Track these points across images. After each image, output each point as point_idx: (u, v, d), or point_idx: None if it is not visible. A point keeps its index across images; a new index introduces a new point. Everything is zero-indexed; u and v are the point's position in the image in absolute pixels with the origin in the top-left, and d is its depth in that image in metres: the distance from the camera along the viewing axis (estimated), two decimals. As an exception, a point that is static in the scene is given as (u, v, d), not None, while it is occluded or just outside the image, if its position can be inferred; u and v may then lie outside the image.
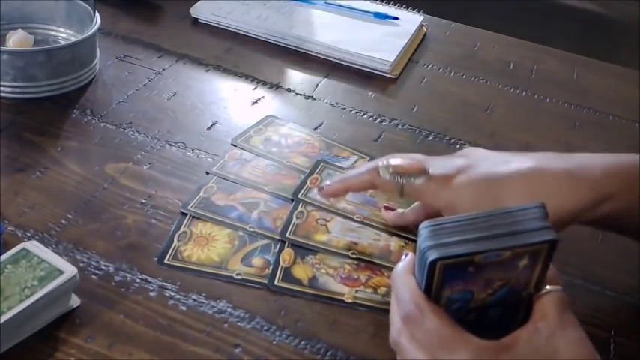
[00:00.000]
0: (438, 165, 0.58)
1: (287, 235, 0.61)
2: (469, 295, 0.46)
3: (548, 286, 0.46)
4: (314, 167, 0.69)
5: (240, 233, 0.62)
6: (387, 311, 0.56)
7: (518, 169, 0.54)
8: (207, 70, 0.86)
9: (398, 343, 0.47)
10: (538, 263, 0.45)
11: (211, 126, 0.75)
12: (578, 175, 0.53)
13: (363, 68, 0.90)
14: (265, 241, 0.61)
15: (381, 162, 0.59)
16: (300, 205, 0.65)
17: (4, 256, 0.51)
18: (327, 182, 0.62)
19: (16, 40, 0.78)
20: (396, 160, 0.58)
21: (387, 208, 0.64)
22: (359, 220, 0.64)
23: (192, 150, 0.71)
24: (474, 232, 0.44)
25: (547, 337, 0.44)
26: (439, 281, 0.45)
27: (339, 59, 0.91)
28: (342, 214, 0.64)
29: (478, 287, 0.45)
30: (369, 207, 0.66)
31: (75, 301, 0.53)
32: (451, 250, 0.43)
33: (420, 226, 0.45)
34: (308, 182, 0.67)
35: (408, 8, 1.05)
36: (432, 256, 0.43)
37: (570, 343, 0.44)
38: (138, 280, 0.56)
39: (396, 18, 0.99)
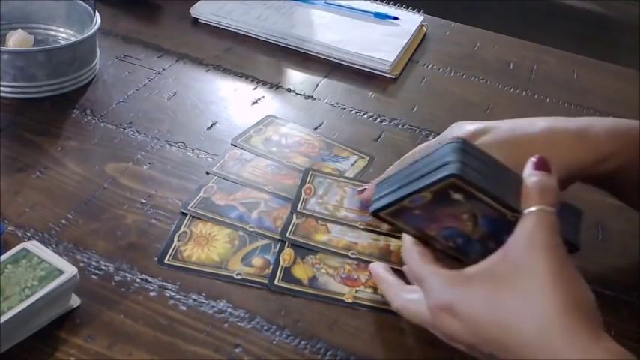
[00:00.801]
0: (458, 129, 0.59)
1: (287, 235, 0.61)
2: (455, 230, 0.48)
3: (531, 207, 0.45)
4: (304, 177, 0.69)
5: (241, 233, 0.62)
6: (387, 311, 0.56)
7: (536, 130, 0.57)
8: (207, 70, 0.86)
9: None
10: (473, 195, 0.46)
11: (211, 126, 0.75)
12: (584, 135, 0.57)
13: (363, 68, 0.90)
14: (265, 241, 0.61)
15: None
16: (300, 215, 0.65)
17: (4, 256, 0.51)
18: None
19: (16, 40, 0.78)
20: None
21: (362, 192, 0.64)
22: (362, 227, 0.64)
23: (192, 150, 0.71)
24: (399, 182, 0.50)
25: (513, 263, 0.44)
26: (412, 225, 0.51)
27: (339, 59, 0.91)
28: (345, 223, 0.64)
29: (452, 223, 0.48)
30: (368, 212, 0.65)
31: (75, 301, 0.53)
32: (380, 202, 0.51)
33: None
34: (303, 193, 0.67)
35: (408, 8, 1.05)
36: (370, 209, 0.52)
37: (536, 273, 0.43)
38: (138, 280, 0.56)
39: (396, 18, 0.99)
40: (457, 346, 0.47)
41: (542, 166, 0.48)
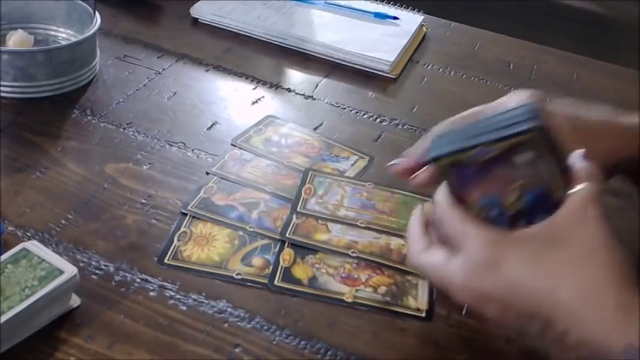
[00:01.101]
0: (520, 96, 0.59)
1: (287, 234, 0.61)
2: (497, 199, 0.48)
3: (579, 185, 0.47)
4: (304, 177, 0.69)
5: (241, 233, 0.62)
6: (387, 311, 0.56)
7: (594, 121, 0.58)
8: (207, 70, 0.86)
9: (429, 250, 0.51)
10: (543, 158, 0.47)
11: (211, 126, 0.75)
12: (629, 132, 0.59)
13: (363, 68, 0.90)
14: (265, 241, 0.61)
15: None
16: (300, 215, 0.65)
17: (4, 256, 0.51)
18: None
19: (16, 40, 0.78)
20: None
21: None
22: (363, 225, 0.64)
23: (192, 150, 0.71)
24: (466, 135, 0.49)
25: (563, 229, 0.46)
26: (457, 185, 0.50)
27: (339, 59, 0.91)
28: (345, 222, 0.64)
29: (498, 189, 0.48)
30: (369, 211, 0.66)
31: (75, 301, 0.53)
32: (444, 149, 0.49)
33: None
34: (303, 193, 0.67)
35: (408, 8, 1.05)
36: (428, 156, 0.50)
37: (586, 239, 0.45)
38: (138, 280, 0.56)
39: (396, 18, 0.99)
40: (486, 311, 0.47)
41: (588, 157, 0.49)
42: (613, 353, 0.42)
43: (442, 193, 0.51)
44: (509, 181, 0.48)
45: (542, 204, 0.47)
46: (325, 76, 0.88)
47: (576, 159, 0.49)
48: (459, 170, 0.50)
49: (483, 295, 0.46)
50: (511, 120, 0.48)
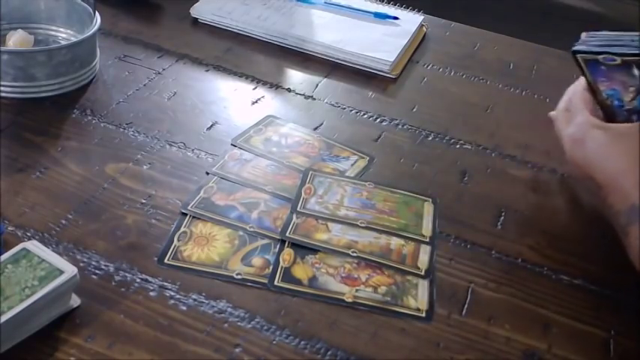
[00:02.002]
0: None
1: (287, 234, 0.61)
2: (618, 93, 0.65)
3: None
4: (304, 177, 0.69)
5: (241, 233, 0.62)
6: (387, 310, 0.56)
7: None
8: (207, 70, 0.86)
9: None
10: None
11: (211, 126, 0.75)
12: None
13: (363, 68, 0.90)
14: (265, 241, 0.61)
15: None
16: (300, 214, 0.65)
17: (4, 256, 0.51)
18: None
19: (16, 40, 0.78)
20: None
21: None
22: (363, 225, 0.64)
23: (192, 150, 0.71)
24: (607, 40, 0.65)
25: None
26: (589, 74, 0.66)
27: (339, 59, 0.91)
28: (345, 222, 0.64)
29: (620, 87, 0.64)
30: (369, 210, 0.66)
31: (75, 301, 0.53)
32: (583, 47, 0.66)
33: None
34: (303, 193, 0.67)
35: (408, 8, 1.05)
36: (573, 48, 0.66)
37: None
38: (138, 280, 0.56)
39: (396, 18, 0.99)
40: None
41: None
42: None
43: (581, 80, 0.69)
44: (626, 84, 0.63)
45: None
46: (325, 76, 0.88)
47: None
48: (592, 65, 0.66)
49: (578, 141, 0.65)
50: (637, 42, 0.62)
